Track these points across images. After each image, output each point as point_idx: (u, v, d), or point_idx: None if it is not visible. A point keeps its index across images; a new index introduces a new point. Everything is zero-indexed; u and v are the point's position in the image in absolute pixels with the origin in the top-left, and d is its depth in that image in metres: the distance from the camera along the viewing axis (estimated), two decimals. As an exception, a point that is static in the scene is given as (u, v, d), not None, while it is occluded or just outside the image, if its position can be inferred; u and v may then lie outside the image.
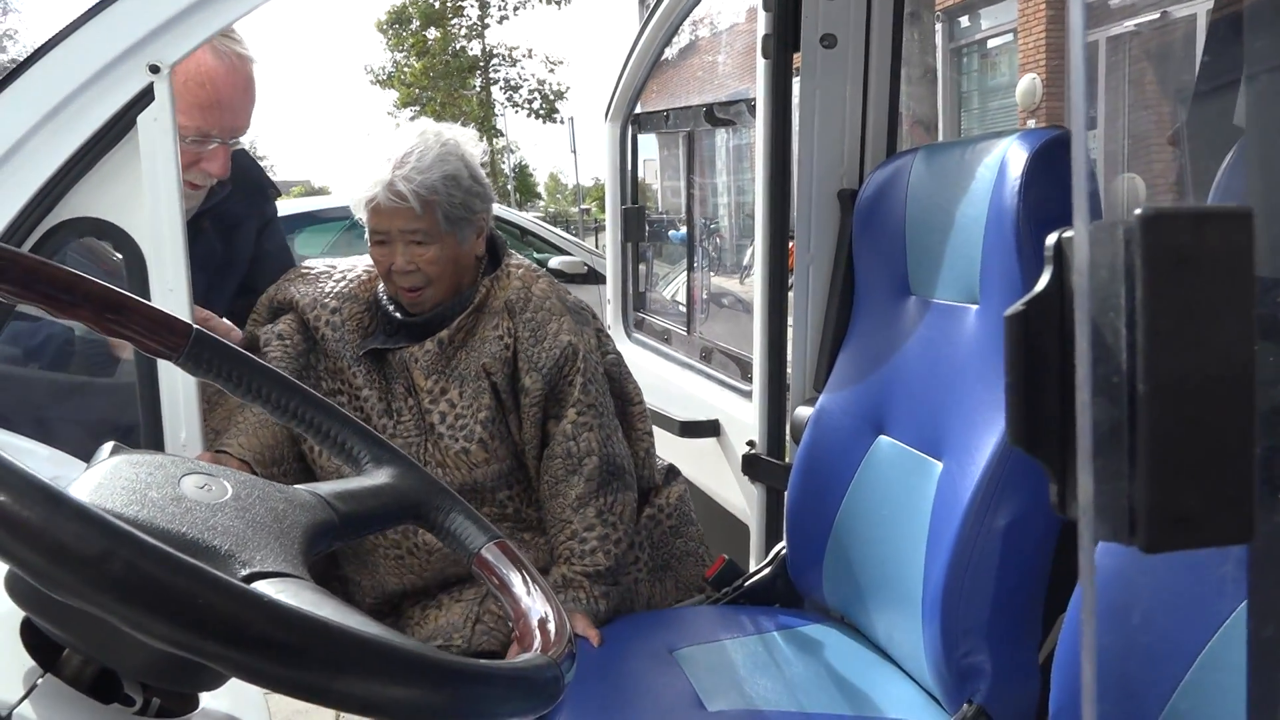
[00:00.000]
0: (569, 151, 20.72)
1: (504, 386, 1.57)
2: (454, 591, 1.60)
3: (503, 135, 26.16)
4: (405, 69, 24.75)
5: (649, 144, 3.13)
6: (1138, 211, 0.34)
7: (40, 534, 0.45)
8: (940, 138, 9.19)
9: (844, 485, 1.57)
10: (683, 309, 3.13)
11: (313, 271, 1.69)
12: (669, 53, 2.63)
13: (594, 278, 5.79)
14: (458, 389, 1.57)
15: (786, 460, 1.86)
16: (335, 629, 0.50)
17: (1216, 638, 0.89)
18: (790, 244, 1.86)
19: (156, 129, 1.34)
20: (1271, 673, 0.42)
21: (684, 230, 3.51)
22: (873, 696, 1.42)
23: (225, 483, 0.68)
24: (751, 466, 1.91)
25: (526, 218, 7.91)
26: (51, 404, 1.58)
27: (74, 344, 1.57)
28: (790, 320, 1.88)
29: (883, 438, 1.53)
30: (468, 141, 1.60)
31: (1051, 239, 0.37)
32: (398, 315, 1.62)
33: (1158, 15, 8.83)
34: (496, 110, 25.36)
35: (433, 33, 24.56)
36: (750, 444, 1.93)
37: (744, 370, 2.19)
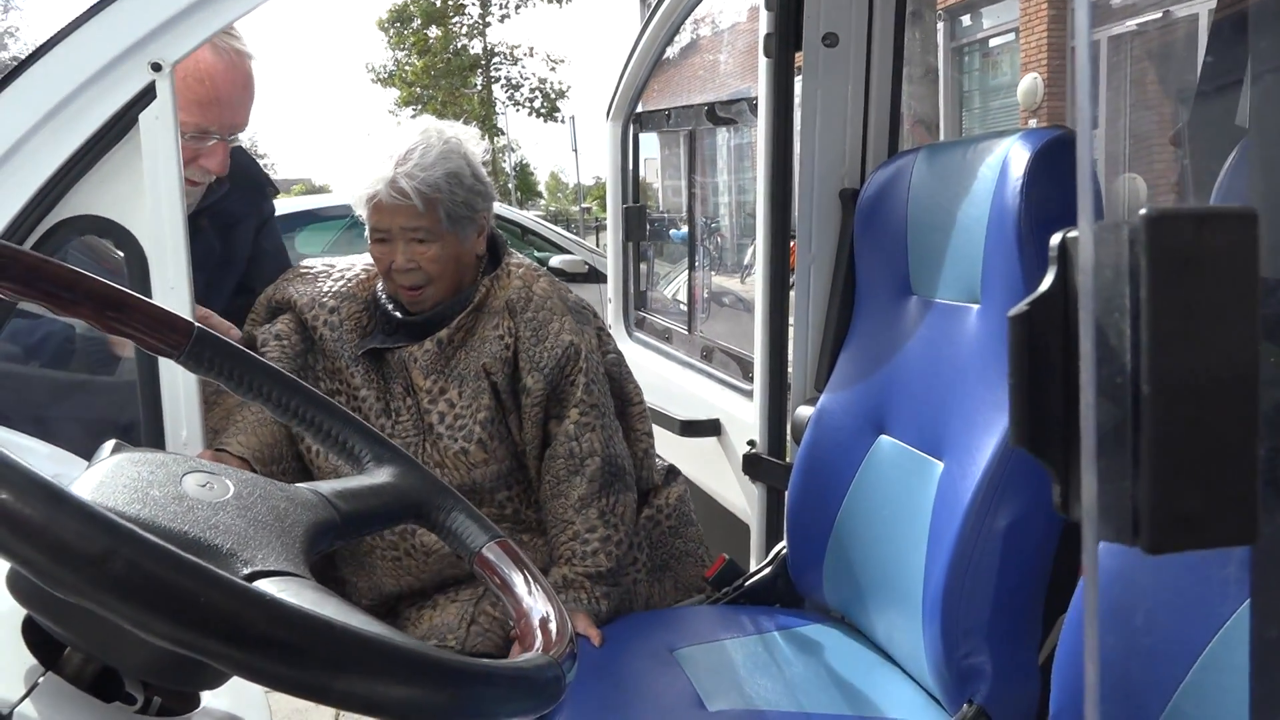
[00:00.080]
0: (570, 150, 20.74)
1: (504, 386, 1.57)
2: (450, 592, 1.59)
3: (504, 134, 26.16)
4: (406, 67, 24.75)
5: (650, 143, 3.13)
6: (1142, 212, 0.34)
7: (42, 532, 0.45)
8: (941, 137, 9.18)
9: (845, 485, 1.57)
10: (684, 308, 3.12)
11: (311, 271, 1.68)
12: (670, 51, 2.63)
13: (595, 276, 5.78)
14: (457, 389, 1.56)
15: (787, 460, 1.86)
16: (337, 628, 0.50)
17: (1218, 638, 0.89)
18: (791, 243, 1.86)
19: (158, 127, 1.34)
20: (1275, 674, 0.42)
21: (685, 229, 3.51)
22: (873, 697, 1.42)
23: (227, 481, 0.68)
24: (752, 466, 1.91)
25: (527, 216, 7.91)
26: (52, 402, 1.58)
27: (74, 342, 1.57)
28: (791, 320, 1.88)
29: (884, 438, 1.53)
30: (470, 140, 1.60)
31: (1055, 239, 0.37)
32: (397, 314, 1.62)
33: (1159, 15, 8.82)
34: (498, 109, 25.37)
35: (434, 31, 24.56)
36: (751, 443, 1.93)
37: (745, 369, 2.19)
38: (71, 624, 0.60)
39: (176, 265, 1.37)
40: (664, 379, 2.45)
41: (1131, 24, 9.10)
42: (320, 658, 0.49)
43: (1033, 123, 9.78)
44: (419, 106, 24.15)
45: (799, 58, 1.78)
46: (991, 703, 1.28)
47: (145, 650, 0.60)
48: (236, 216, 1.78)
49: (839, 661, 1.52)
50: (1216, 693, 0.89)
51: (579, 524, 1.56)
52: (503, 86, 25.41)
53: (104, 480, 0.64)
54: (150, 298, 1.29)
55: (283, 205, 6.08)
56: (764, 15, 1.78)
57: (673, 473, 1.80)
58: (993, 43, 11.88)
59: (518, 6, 24.63)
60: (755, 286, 1.91)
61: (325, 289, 1.64)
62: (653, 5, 2.44)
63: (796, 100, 1.81)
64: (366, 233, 1.58)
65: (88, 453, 0.71)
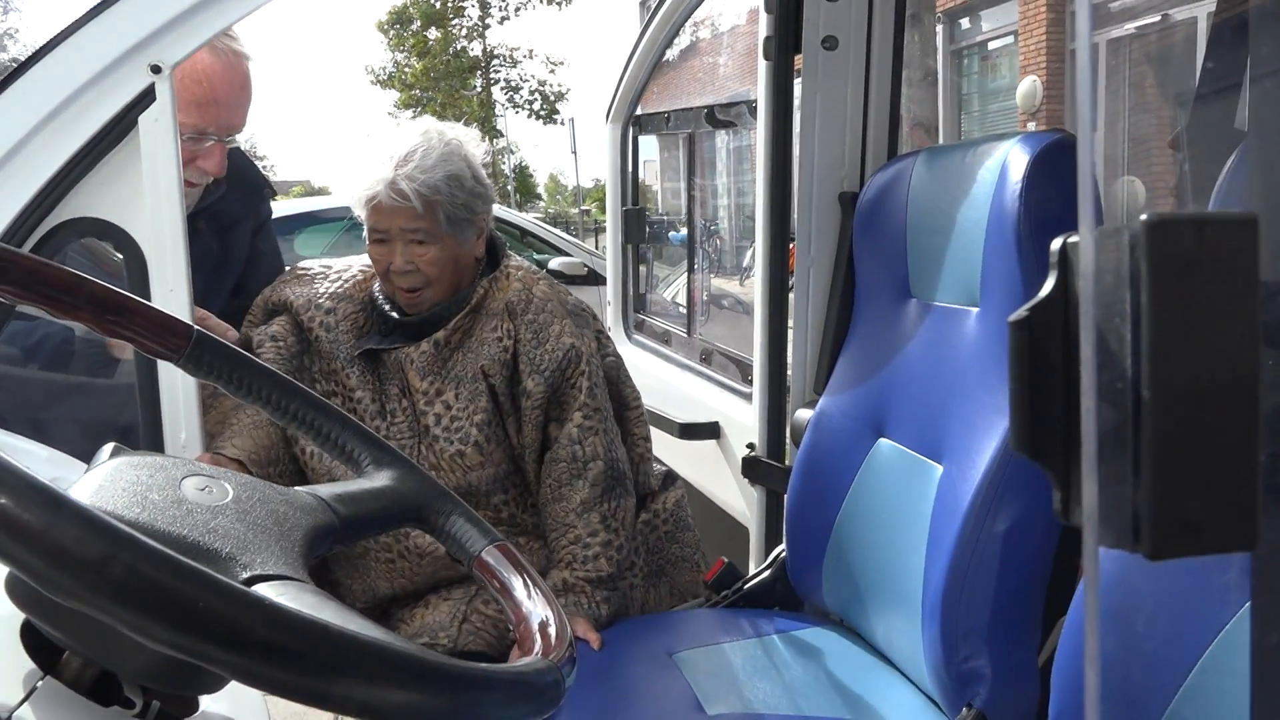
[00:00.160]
0: (569, 152, 20.74)
1: (502, 389, 1.57)
2: (442, 591, 1.59)
3: (503, 136, 26.17)
4: (406, 69, 24.76)
5: (650, 145, 3.13)
6: (1143, 217, 0.34)
7: (41, 537, 0.45)
8: (940, 140, 9.19)
9: (844, 488, 1.57)
10: (683, 311, 3.13)
11: (309, 272, 1.68)
12: (670, 54, 2.63)
13: (594, 279, 5.78)
14: (454, 391, 1.56)
15: (786, 463, 1.86)
16: (335, 633, 0.50)
17: (1217, 642, 0.89)
18: (791, 246, 1.86)
19: (158, 129, 1.34)
20: (1276, 680, 0.42)
21: (684, 232, 3.51)
22: (872, 700, 1.42)
23: (226, 485, 0.68)
24: (751, 469, 1.91)
25: (526, 218, 7.91)
26: (51, 404, 1.58)
27: (73, 344, 1.57)
28: (791, 322, 1.88)
29: (883, 440, 1.53)
30: (470, 142, 1.60)
31: (1056, 244, 0.37)
32: (394, 315, 1.61)
33: (1158, 18, 8.83)
34: (497, 111, 25.38)
35: (433, 33, 24.58)
36: (750, 446, 1.93)
37: (744, 372, 2.19)
38: (70, 628, 0.59)
39: (176, 268, 1.37)
40: (663, 381, 2.45)
41: (1130, 27, 9.11)
42: (318, 662, 0.49)
43: (1031, 126, 9.79)
44: (418, 108, 24.16)
45: (798, 61, 1.79)
46: (991, 706, 1.28)
47: (144, 654, 0.59)
48: (234, 218, 1.78)
49: (838, 665, 1.51)
50: (1216, 696, 0.89)
51: (580, 528, 1.55)
52: (502, 89, 25.45)
53: (103, 484, 0.64)
54: (149, 300, 1.29)
55: (282, 207, 6.10)
56: (763, 18, 1.79)
57: (670, 478, 1.79)
58: (991, 46, 11.89)
59: (517, 9, 24.61)
60: (754, 289, 1.91)
61: (322, 290, 1.63)
62: (652, 8, 2.44)
63: (796, 103, 1.81)
64: (365, 233, 1.58)
65: (86, 455, 0.71)
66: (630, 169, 2.80)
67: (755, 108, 1.89)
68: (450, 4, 24.41)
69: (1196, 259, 0.35)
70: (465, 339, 1.58)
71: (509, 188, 26.36)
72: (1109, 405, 0.35)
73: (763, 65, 1.80)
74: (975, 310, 1.37)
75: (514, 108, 25.71)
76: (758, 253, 1.87)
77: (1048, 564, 1.28)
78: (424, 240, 1.53)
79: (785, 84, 1.79)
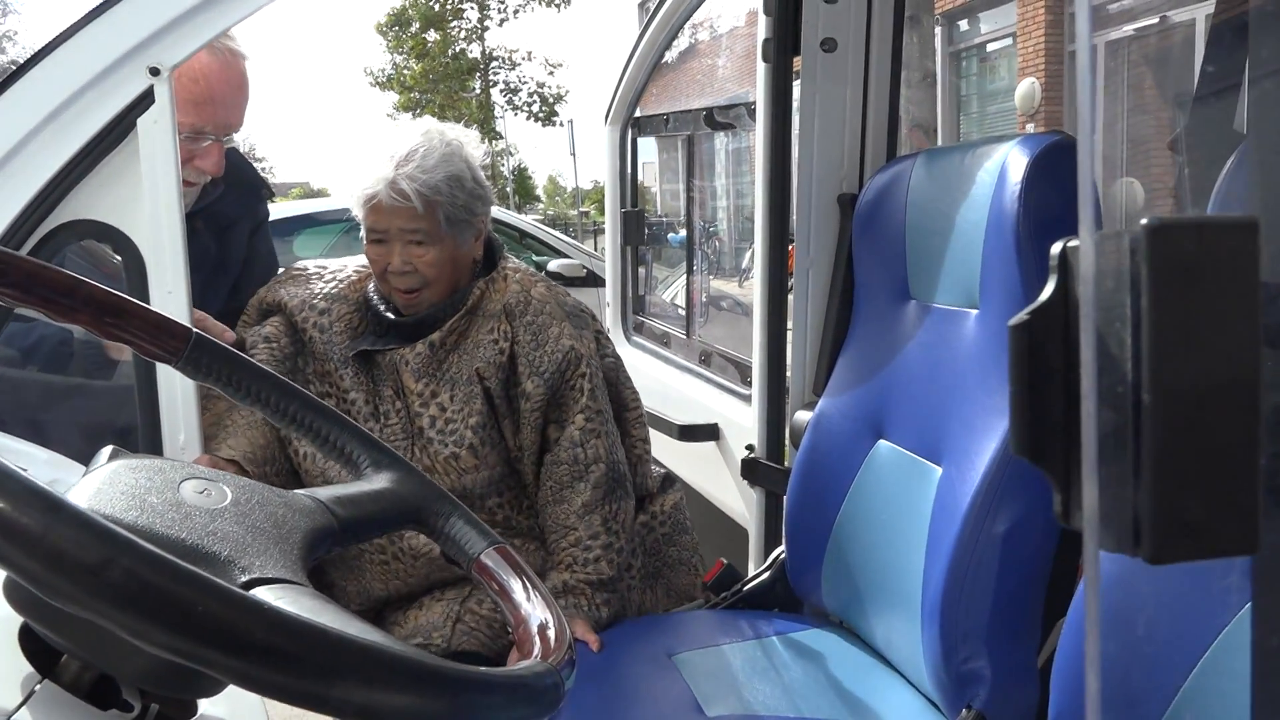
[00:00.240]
0: (568, 154, 20.74)
1: (498, 391, 1.56)
2: (435, 591, 1.58)
3: (502, 138, 26.18)
4: (405, 71, 24.76)
5: (649, 147, 3.13)
6: (1143, 221, 0.34)
7: (39, 541, 0.45)
8: (939, 142, 9.19)
9: (843, 490, 1.57)
10: (682, 312, 3.12)
11: (304, 273, 1.67)
12: (669, 56, 2.63)
13: (592, 280, 5.78)
14: (449, 393, 1.55)
15: (786, 464, 1.86)
16: (334, 636, 0.50)
17: (1217, 643, 0.89)
18: (790, 248, 1.86)
19: (156, 131, 1.34)
20: (1276, 683, 0.42)
21: (683, 233, 3.51)
22: (871, 702, 1.41)
23: (225, 488, 0.68)
24: (750, 470, 1.91)
25: (525, 220, 7.92)
26: (49, 406, 1.58)
27: (70, 345, 1.56)
28: (790, 324, 1.88)
29: (882, 442, 1.53)
30: (470, 143, 1.60)
31: (1056, 249, 0.37)
32: (389, 315, 1.60)
33: (1156, 20, 8.84)
34: (496, 113, 25.39)
35: (432, 35, 24.58)
36: (749, 448, 1.93)
37: (743, 374, 2.19)
38: (68, 631, 0.59)
39: (174, 270, 1.37)
40: (662, 383, 2.45)
41: (1129, 29, 9.12)
42: (317, 666, 0.49)
43: (1030, 127, 9.80)
44: (417, 110, 24.16)
45: (797, 62, 1.79)
46: (990, 707, 1.28)
47: (142, 658, 0.59)
48: (231, 218, 1.78)
49: (838, 666, 1.51)
50: (1216, 698, 0.89)
51: (581, 530, 1.55)
52: (501, 91, 25.46)
53: (101, 487, 0.64)
54: (148, 302, 1.29)
55: (281, 209, 6.10)
56: (762, 20, 1.79)
57: (669, 480, 1.79)
58: (990, 47, 11.90)
59: (516, 11, 24.63)
60: (754, 291, 1.91)
61: (316, 290, 1.63)
62: (651, 10, 2.45)
63: (795, 105, 1.81)
64: (362, 233, 1.57)
65: (84, 457, 0.71)
66: (629, 171, 2.80)
67: (754, 110, 1.90)
68: (449, 6, 24.42)
69: (1197, 262, 0.35)
70: (461, 341, 1.57)
71: (508, 189, 26.38)
72: (1109, 408, 0.35)
73: (761, 67, 1.80)
74: (974, 312, 1.37)
75: (513, 110, 25.74)
76: (757, 254, 1.87)
77: (1047, 565, 1.28)
78: (423, 241, 1.53)
79: (784, 86, 1.79)
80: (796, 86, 1.81)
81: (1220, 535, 0.35)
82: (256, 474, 1.50)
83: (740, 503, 2.00)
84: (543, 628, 0.71)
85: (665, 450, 2.07)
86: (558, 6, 23.70)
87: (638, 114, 2.73)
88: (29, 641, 0.63)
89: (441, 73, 24.38)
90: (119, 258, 1.39)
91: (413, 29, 24.49)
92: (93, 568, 0.45)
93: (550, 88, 26.15)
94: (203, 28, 1.32)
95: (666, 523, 1.73)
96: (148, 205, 1.35)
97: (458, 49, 24.79)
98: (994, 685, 1.27)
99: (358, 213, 1.56)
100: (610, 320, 2.81)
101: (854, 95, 1.80)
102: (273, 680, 0.48)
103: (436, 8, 24.36)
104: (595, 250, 8.35)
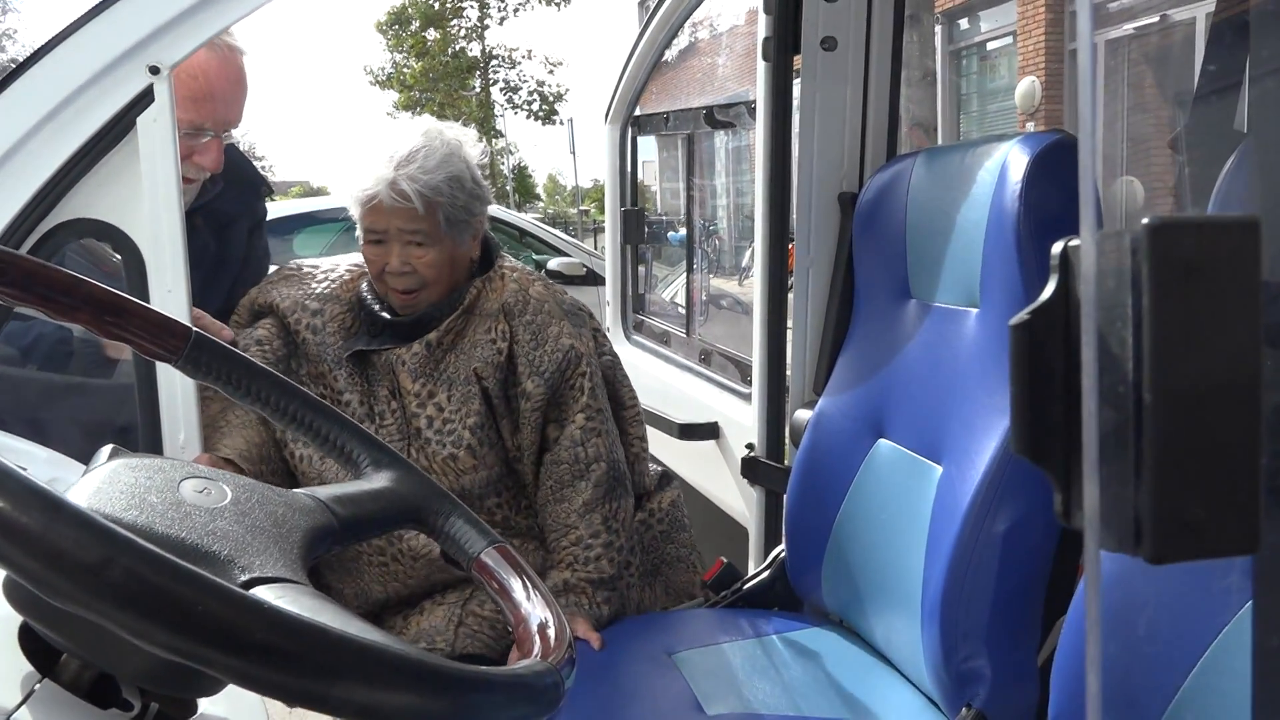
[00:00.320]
0: (568, 153, 20.72)
1: (496, 391, 1.55)
2: (436, 595, 1.57)
3: (502, 136, 26.18)
4: (405, 70, 24.76)
5: (648, 146, 3.13)
6: (1144, 221, 0.34)
7: (39, 540, 0.45)
8: (939, 140, 9.19)
9: (843, 489, 1.57)
10: (682, 311, 3.13)
11: (297, 273, 1.66)
12: (669, 55, 2.63)
13: (592, 279, 5.78)
14: (446, 393, 1.54)
15: (786, 463, 1.86)
16: (334, 635, 0.50)
17: (1217, 643, 0.89)
18: (790, 246, 1.86)
19: (156, 130, 1.34)
20: (1276, 683, 0.42)
21: (683, 232, 3.51)
22: (871, 701, 1.42)
23: (225, 487, 0.68)
24: (750, 469, 1.91)
25: (525, 219, 7.91)
26: (49, 405, 1.58)
27: (70, 344, 1.56)
28: (790, 323, 1.88)
29: (882, 441, 1.53)
30: (469, 142, 1.59)
31: (1057, 248, 0.37)
32: (384, 315, 1.59)
33: (1157, 19, 8.84)
34: (496, 111, 25.39)
35: (432, 33, 24.58)
36: (749, 447, 1.93)
37: (743, 373, 2.19)
38: (68, 630, 0.59)
39: (174, 268, 1.37)
40: (662, 382, 2.45)
41: (1129, 28, 9.12)
42: (317, 665, 0.49)
43: (1030, 126, 9.80)
44: (417, 109, 24.15)
45: (797, 61, 1.79)
46: (990, 706, 1.28)
47: (142, 657, 0.59)
48: (231, 216, 1.77)
49: (837, 665, 1.51)
50: (1216, 697, 0.89)
51: (582, 529, 1.55)
52: (501, 89, 25.46)
53: (101, 486, 0.64)
54: (148, 301, 1.29)
55: (281, 208, 6.10)
56: (762, 19, 1.79)
57: (666, 478, 1.79)
58: (990, 46, 11.90)
59: (516, 9, 24.62)
60: (754, 289, 1.91)
61: (309, 291, 1.61)
62: (651, 8, 2.44)
63: (795, 104, 1.81)
64: (359, 233, 1.57)
65: (84, 456, 0.71)
66: (629, 169, 2.80)
67: (754, 108, 1.89)
68: (449, 4, 24.42)
69: (1198, 262, 0.35)
70: (458, 340, 1.57)
71: (508, 188, 26.38)
72: (1110, 408, 0.35)
73: (761, 66, 1.80)
74: (975, 311, 1.37)
75: (513, 108, 25.74)
76: (757, 253, 1.87)
77: (1047, 564, 1.28)
78: (423, 241, 1.52)
79: (784, 84, 1.79)
80: (796, 85, 1.81)
81: (1221, 535, 0.35)
82: (253, 472, 1.50)
83: (740, 502, 2.00)
84: (543, 627, 0.71)
85: (665, 449, 2.07)
86: (558, 5, 23.69)
87: (638, 112, 2.73)
88: (29, 640, 0.63)
89: (441, 71, 24.37)
90: (119, 256, 1.39)
91: (413, 27, 24.49)
92: (93, 567, 0.45)
93: (550, 86, 26.16)
94: (202, 26, 1.32)
95: (664, 520, 1.73)
96: (147, 204, 1.35)
97: (458, 47, 24.79)
98: (994, 684, 1.27)
99: (355, 213, 1.55)
100: (610, 319, 2.81)
101: (854, 94, 1.80)
102: (273, 679, 0.48)
103: (436, 6, 24.36)
104: (595, 249, 8.35)
